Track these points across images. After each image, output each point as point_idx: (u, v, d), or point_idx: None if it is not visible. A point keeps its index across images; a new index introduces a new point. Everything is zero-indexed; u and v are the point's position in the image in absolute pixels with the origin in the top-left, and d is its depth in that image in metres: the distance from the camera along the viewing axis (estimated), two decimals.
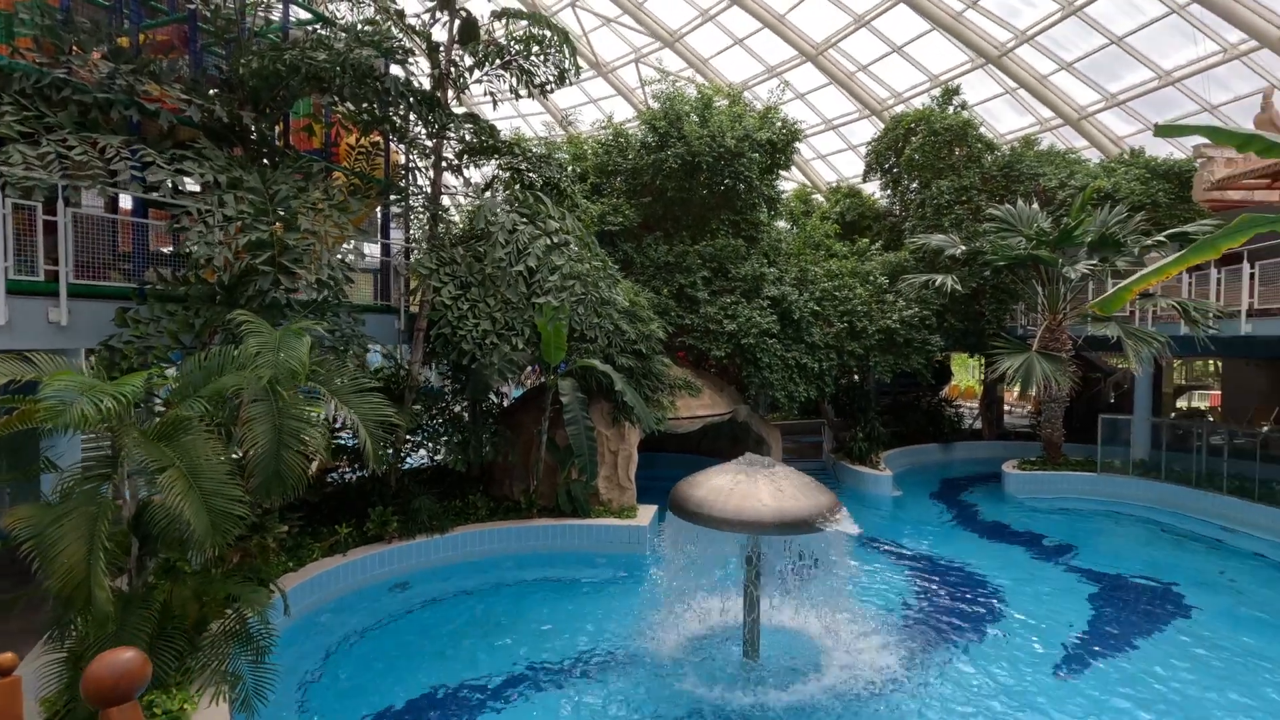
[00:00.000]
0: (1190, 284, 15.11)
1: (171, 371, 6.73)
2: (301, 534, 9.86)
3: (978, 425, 23.12)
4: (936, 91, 21.78)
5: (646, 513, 12.40)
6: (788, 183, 26.64)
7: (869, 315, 17.34)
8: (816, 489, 7.13)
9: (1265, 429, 16.28)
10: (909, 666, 7.90)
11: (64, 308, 7.28)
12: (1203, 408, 25.58)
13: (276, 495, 5.93)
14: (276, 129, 10.58)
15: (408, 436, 11.85)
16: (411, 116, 11.06)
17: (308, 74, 9.07)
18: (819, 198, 26.32)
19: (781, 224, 20.90)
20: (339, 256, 8.56)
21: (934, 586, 10.68)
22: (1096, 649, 8.57)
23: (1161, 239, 15.15)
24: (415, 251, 11.98)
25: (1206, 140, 8.61)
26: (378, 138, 12.03)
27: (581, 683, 7.49)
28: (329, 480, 11.97)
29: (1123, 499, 15.74)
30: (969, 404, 27.87)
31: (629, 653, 8.15)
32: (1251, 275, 13.25)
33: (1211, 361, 24.97)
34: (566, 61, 11.87)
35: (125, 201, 10.67)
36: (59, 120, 7.36)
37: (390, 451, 11.23)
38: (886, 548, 12.59)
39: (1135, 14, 18.78)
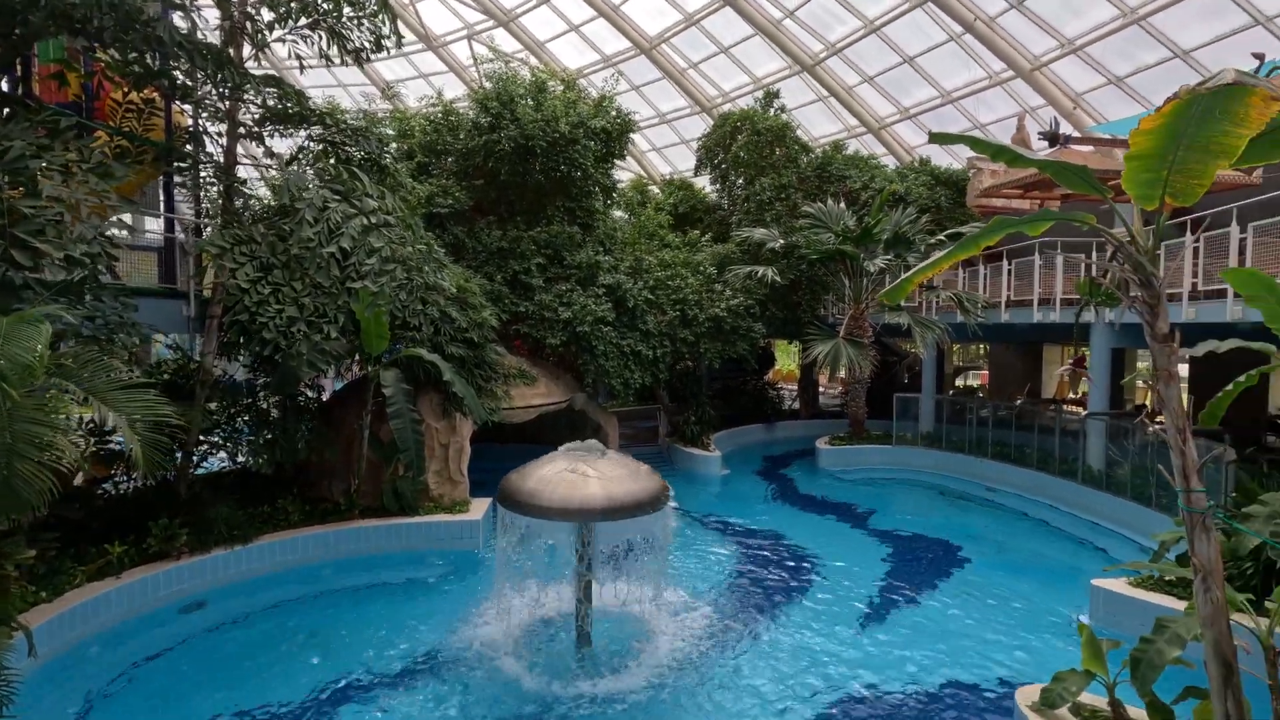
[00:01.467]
0: (964, 278, 17.42)
1: None
2: (60, 557, 8.35)
3: (796, 406, 25.11)
4: (760, 93, 23.15)
5: (480, 506, 12.02)
6: (624, 173, 27.05)
7: (700, 304, 18.09)
8: (644, 474, 7.26)
9: (1019, 403, 19.24)
10: (731, 635, 8.36)
11: None
12: (975, 385, 29.80)
13: (9, 513, 4.91)
14: (11, 74, 8.78)
15: (202, 438, 10.47)
16: (200, 74, 9.67)
17: (54, 10, 7.57)
18: (654, 189, 26.99)
19: (618, 213, 21.17)
20: (99, 230, 7.27)
21: (757, 557, 11.42)
22: (894, 599, 9.65)
23: (942, 238, 17.28)
24: (207, 228, 10.56)
25: (973, 151, 9.85)
26: (154, 94, 10.41)
27: (412, 688, 7.08)
28: (99, 492, 10.27)
29: (913, 467, 17.87)
30: (789, 387, 30.19)
31: (460, 652, 7.83)
32: (1009, 271, 15.55)
33: (982, 346, 29.10)
34: (386, 28, 11.00)
35: None
36: None
37: (178, 456, 9.86)
38: (714, 524, 13.26)
39: (924, 38, 21.18)
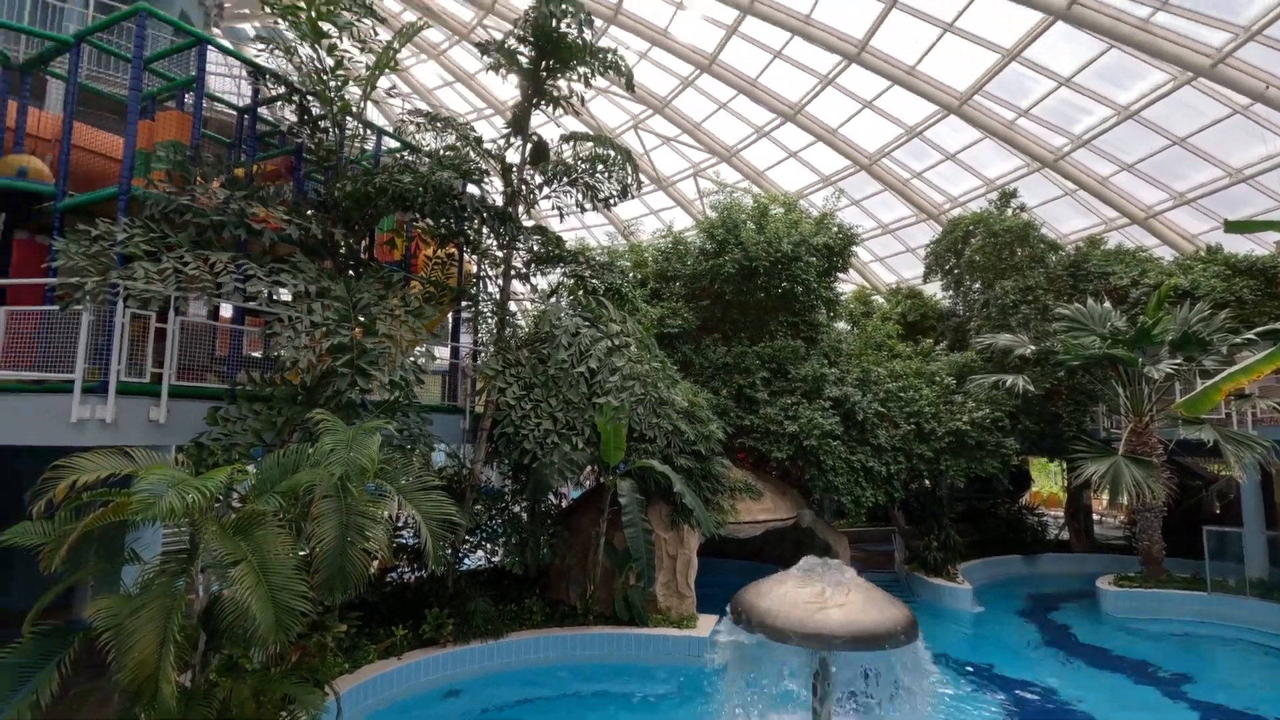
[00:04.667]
0: None
1: (252, 468, 7.07)
2: (359, 634, 9.82)
3: (1064, 535, 21.45)
4: (993, 195, 21.96)
5: (707, 623, 11.82)
6: (846, 285, 26.82)
7: (937, 417, 16.77)
8: (891, 601, 6.69)
9: None
10: None
11: (164, 407, 7.86)
12: None
13: (339, 592, 5.99)
14: (363, 243, 11.52)
15: (467, 536, 11.88)
16: (484, 230, 11.90)
17: (394, 195, 9.96)
18: (879, 299, 26.29)
19: (841, 325, 20.89)
20: (411, 359, 9.01)
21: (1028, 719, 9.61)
22: None
23: (1252, 336, 14.34)
24: (483, 354, 12.49)
25: None
26: (453, 249, 12.91)
27: None
28: (388, 580, 12.01)
29: (1240, 622, 14.06)
30: (1053, 512, 25.99)
31: None
32: None
33: None
34: (629, 178, 12.64)
35: (225, 310, 11.68)
36: (178, 240, 8.26)
37: (449, 551, 11.25)
38: (970, 671, 11.51)
39: (1195, 115, 18.76)
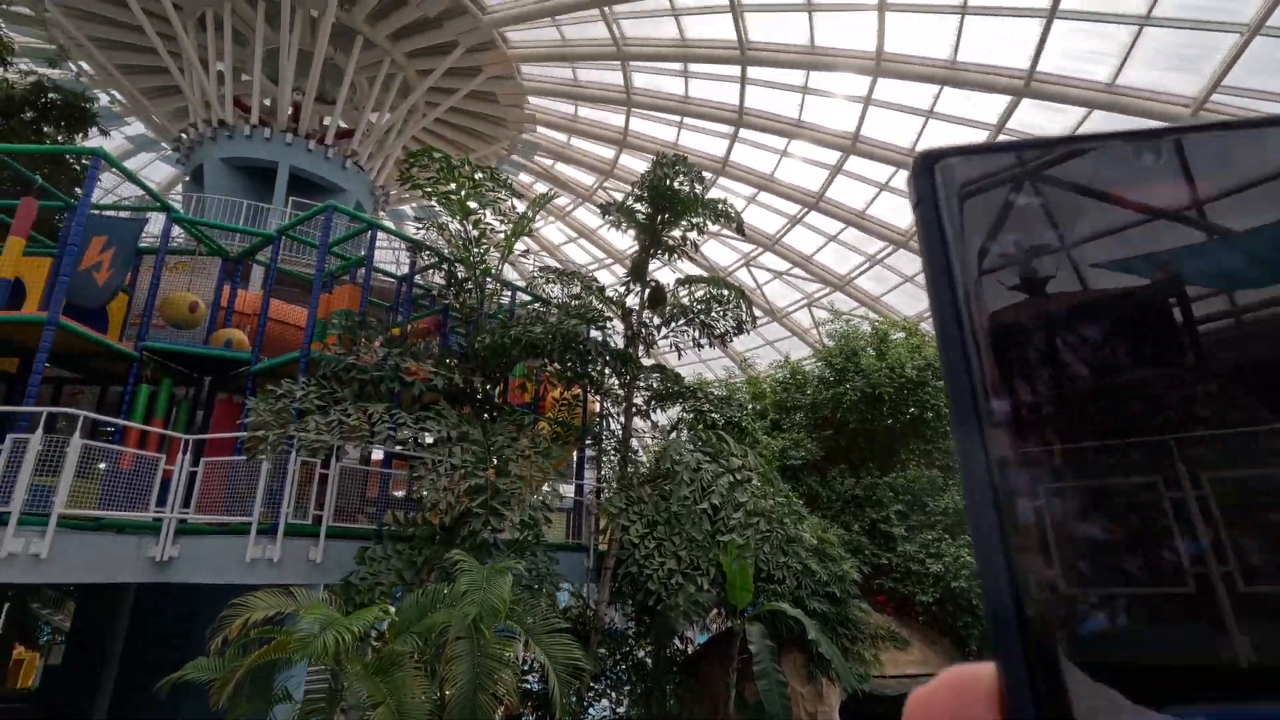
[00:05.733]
0: None
1: (393, 607, 7.42)
2: None
3: None
4: None
5: None
6: None
7: None
8: None
9: None
10: None
11: (321, 547, 8.56)
12: None
13: None
14: (498, 388, 12.45)
15: (591, 684, 11.50)
16: (607, 370, 12.55)
17: (527, 344, 10.86)
18: None
19: None
20: (539, 498, 9.35)
21: None
22: None
23: None
24: (605, 491, 12.70)
25: None
26: (578, 390, 13.62)
27: None
28: None
29: None
30: None
31: None
32: None
33: None
34: (744, 315, 13.04)
35: (376, 453, 12.80)
36: (343, 394, 9.37)
37: (574, 699, 10.89)
38: None
39: None
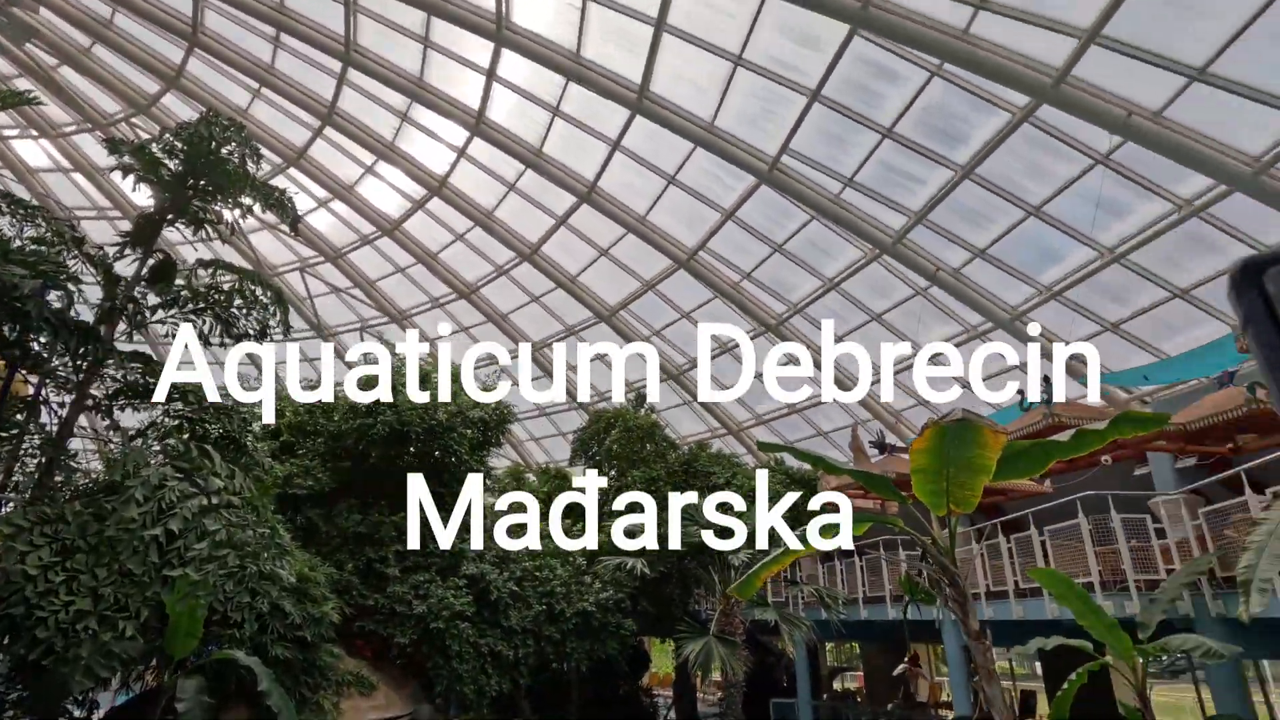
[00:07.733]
0: (823, 573, 18.04)
1: None
2: None
3: (673, 715, 22.93)
4: (632, 395, 25.40)
5: None
6: (502, 460, 27.43)
7: (568, 597, 17.25)
8: None
9: (890, 708, 18.74)
10: None
11: None
12: (853, 688, 28.84)
13: None
14: None
15: None
16: (59, 347, 9.50)
17: None
18: (531, 477, 27.29)
19: (490, 499, 20.92)
20: None
21: None
22: None
23: (799, 534, 18.23)
24: (6, 505, 9.38)
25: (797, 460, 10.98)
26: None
27: None
28: None
29: None
30: (665, 692, 27.85)
31: None
32: (861, 568, 16.36)
33: (855, 644, 28.93)
34: (274, 320, 11.61)
35: None
36: None
37: None
38: None
39: (767, 362, 24.84)
